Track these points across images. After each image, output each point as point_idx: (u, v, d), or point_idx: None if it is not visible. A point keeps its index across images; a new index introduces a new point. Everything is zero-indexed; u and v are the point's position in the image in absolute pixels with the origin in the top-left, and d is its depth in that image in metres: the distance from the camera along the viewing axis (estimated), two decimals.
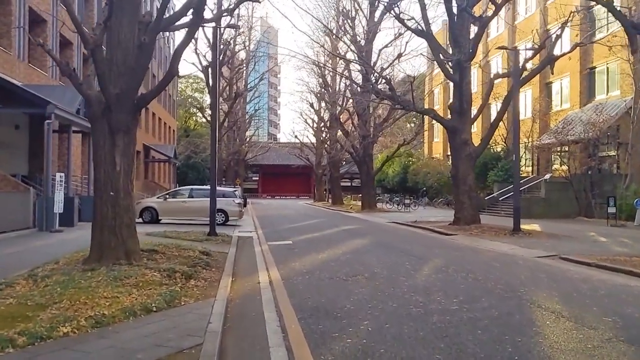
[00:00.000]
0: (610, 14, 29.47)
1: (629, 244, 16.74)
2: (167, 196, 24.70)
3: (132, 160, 10.16)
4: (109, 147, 9.94)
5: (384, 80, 26.06)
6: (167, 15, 10.32)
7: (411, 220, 26.67)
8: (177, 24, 10.65)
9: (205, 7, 10.55)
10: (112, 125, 9.88)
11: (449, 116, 24.42)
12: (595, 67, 35.57)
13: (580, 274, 10.91)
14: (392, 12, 23.65)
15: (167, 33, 54.57)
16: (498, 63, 44.18)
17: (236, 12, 38.35)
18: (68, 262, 10.16)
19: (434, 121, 56.15)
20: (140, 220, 23.69)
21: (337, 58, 46.35)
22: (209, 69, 39.14)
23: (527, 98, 40.81)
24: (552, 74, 23.87)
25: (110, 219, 9.93)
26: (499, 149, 40.81)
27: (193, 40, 40.20)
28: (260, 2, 11.32)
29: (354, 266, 11.26)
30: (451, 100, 23.81)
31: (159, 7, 10.09)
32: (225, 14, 13.03)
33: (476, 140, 24.41)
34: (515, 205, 20.08)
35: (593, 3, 30.76)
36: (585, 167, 30.07)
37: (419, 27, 23.60)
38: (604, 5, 12.51)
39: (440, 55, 23.31)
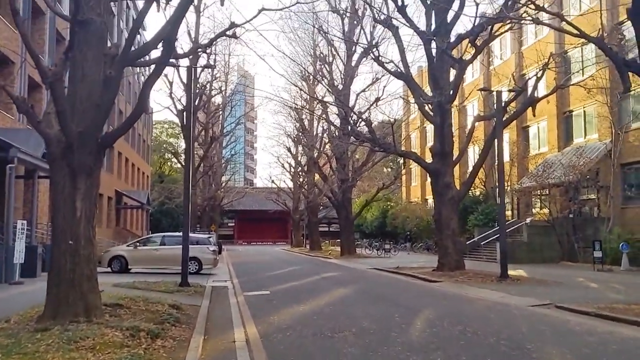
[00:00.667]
0: (586, 56, 29.85)
1: (622, 290, 16.05)
2: (138, 244, 23.51)
3: (94, 205, 9.20)
4: (69, 191, 8.99)
5: (363, 123, 25.56)
6: (136, 48, 9.55)
7: (393, 267, 25.78)
8: (147, 59, 9.91)
9: (179, 43, 9.85)
10: (73, 167, 8.96)
11: (429, 159, 23.94)
12: (572, 111, 35.72)
13: (582, 325, 10.10)
14: (371, 54, 23.33)
15: (138, 69, 53.86)
16: (474, 107, 44.37)
17: (212, 54, 37.98)
18: (20, 320, 9.06)
19: (412, 165, 56.17)
20: (108, 269, 22.51)
21: (315, 102, 46.19)
22: (184, 113, 38.46)
23: (504, 142, 40.75)
24: (534, 115, 23.62)
25: (68, 270, 8.90)
26: (477, 193, 40.46)
27: (168, 84, 39.55)
28: (237, 38, 10.63)
29: (339, 320, 10.30)
30: (432, 144, 23.32)
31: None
32: (200, 50, 12.37)
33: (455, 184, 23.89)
34: (501, 250, 19.40)
35: (570, 46, 31.10)
36: (567, 211, 29.67)
37: (398, 70, 23.30)
38: (594, 42, 12.13)
39: (421, 97, 22.92)
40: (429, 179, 56.21)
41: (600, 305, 12.20)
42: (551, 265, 28.30)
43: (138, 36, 45.48)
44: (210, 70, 43.73)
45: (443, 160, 22.53)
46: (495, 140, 20.31)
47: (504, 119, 22.35)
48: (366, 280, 19.82)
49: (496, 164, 22.13)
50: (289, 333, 9.06)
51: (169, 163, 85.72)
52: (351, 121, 27.51)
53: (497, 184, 41.50)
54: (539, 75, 21.62)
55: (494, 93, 21.06)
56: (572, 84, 23.91)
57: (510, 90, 21.41)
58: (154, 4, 8.63)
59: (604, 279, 19.47)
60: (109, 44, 9.16)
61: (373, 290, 16.17)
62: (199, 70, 39.55)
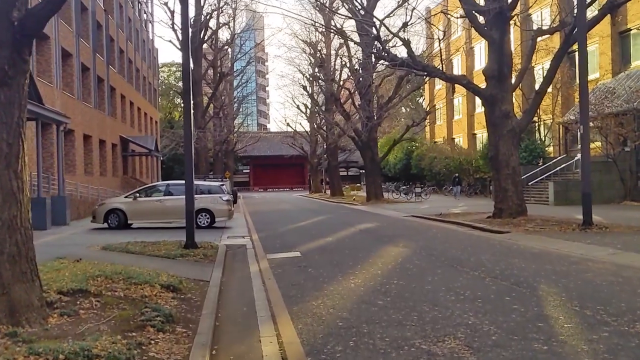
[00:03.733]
0: None
1: None
2: (138, 194, 19.90)
3: (17, 134, 5.46)
4: None
5: (399, 43, 21.32)
6: None
7: (433, 213, 22.16)
8: None
9: None
10: None
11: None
12: (629, 30, 31.11)
13: None
14: None
15: None
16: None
17: None
18: None
19: (437, 103, 51.71)
20: (105, 225, 19.13)
21: (331, 35, 41.72)
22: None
23: (544, 70, 36.28)
24: (614, 24, 19.27)
25: None
26: None
27: (169, 13, 35.25)
28: None
29: (421, 308, 6.61)
30: (486, 64, 19.21)
31: None
32: None
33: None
34: (584, 190, 15.50)
35: None
36: (635, 144, 25.53)
37: None
38: None
39: (473, 8, 18.61)
40: (456, 116, 52.38)
41: None
42: (614, 206, 24.47)
43: None
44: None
45: (501, 85, 18.45)
46: (577, 51, 16.12)
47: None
48: (415, 233, 16.12)
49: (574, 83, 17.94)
50: (352, 341, 5.39)
51: (179, 108, 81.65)
52: (383, 42, 23.00)
53: (551, 112, 36.80)
54: None
55: None
56: None
57: None
58: None
59: None
60: None
61: (433, 248, 12.47)
62: None
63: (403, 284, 8.14)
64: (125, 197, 20.23)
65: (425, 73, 20.30)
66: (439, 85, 54.37)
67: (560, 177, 29.50)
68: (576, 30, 16.20)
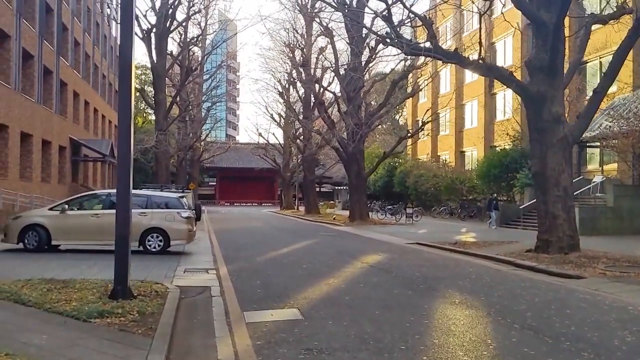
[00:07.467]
0: None
1: None
2: (67, 206, 14.83)
3: None
4: None
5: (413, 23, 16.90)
6: None
7: (447, 242, 17.77)
8: None
9: None
10: None
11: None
12: None
13: None
14: None
15: None
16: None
17: None
18: None
19: (421, 117, 47.45)
20: (20, 246, 14.09)
21: (312, 38, 37.47)
22: (152, 34, 29.62)
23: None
24: None
25: None
26: (525, 143, 32.20)
27: None
28: None
29: None
30: (531, 53, 14.97)
31: None
32: None
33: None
34: None
35: None
36: None
37: None
38: None
39: None
40: (442, 132, 48.06)
41: None
42: None
43: None
44: None
45: (551, 80, 14.22)
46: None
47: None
48: (450, 274, 11.49)
49: None
50: None
51: (143, 114, 75.91)
52: (394, 26, 18.47)
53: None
54: None
55: None
56: None
57: None
58: None
59: None
60: None
61: (514, 310, 7.82)
62: None
63: None
64: (51, 208, 15.15)
65: (457, 62, 15.85)
66: (424, 98, 50.48)
67: (579, 201, 25.46)
68: None
